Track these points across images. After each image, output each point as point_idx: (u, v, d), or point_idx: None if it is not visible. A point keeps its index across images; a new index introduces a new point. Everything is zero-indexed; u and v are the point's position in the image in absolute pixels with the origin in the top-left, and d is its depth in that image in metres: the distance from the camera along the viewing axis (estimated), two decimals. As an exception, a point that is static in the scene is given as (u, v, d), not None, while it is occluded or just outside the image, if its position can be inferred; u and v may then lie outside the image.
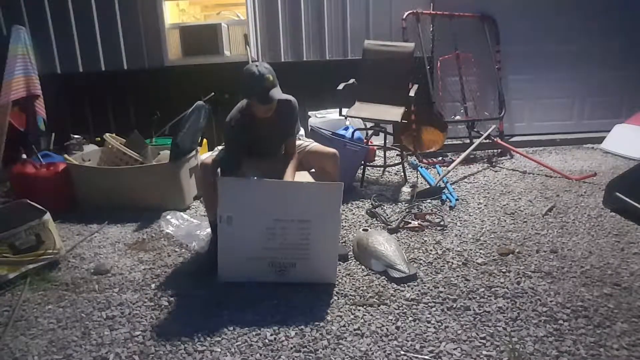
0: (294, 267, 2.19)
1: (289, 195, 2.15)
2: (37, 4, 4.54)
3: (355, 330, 1.88)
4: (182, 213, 3.07)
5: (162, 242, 2.79)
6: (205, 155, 3.20)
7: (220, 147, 2.63)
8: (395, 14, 4.64)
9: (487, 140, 4.28)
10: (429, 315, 1.96)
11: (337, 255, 2.24)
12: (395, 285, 2.20)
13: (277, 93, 2.26)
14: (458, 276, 2.27)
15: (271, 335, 1.86)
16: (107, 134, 3.54)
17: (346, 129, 3.94)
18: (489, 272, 2.30)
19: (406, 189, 3.58)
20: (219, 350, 1.78)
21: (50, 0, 4.56)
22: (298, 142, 2.61)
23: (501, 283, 2.20)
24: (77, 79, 4.70)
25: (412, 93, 3.70)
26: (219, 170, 2.41)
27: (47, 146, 4.28)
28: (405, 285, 2.20)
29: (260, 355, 1.75)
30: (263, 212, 2.14)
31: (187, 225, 2.89)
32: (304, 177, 2.57)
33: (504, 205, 3.22)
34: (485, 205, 3.22)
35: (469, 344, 1.78)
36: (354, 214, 3.14)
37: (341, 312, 2.01)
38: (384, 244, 2.40)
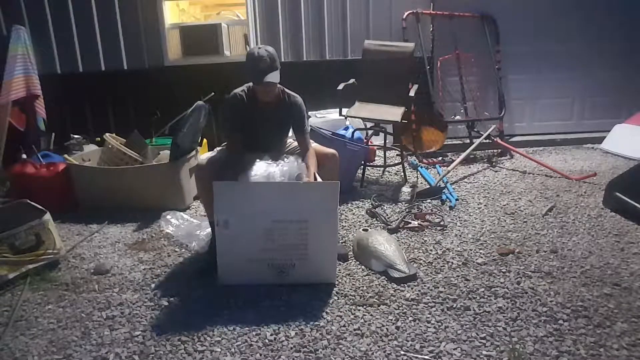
0: (293, 267, 2.19)
1: (285, 196, 2.15)
2: (37, 4, 4.54)
3: (355, 330, 1.88)
4: (182, 213, 3.07)
5: (162, 242, 2.79)
6: (204, 156, 3.20)
7: (218, 148, 2.63)
8: (395, 14, 4.64)
9: (487, 140, 4.28)
10: (429, 315, 1.96)
11: (336, 254, 2.24)
12: (395, 285, 2.20)
13: (273, 77, 2.29)
14: (458, 276, 2.27)
15: (271, 335, 1.86)
16: (107, 134, 3.54)
17: (346, 129, 3.94)
18: (489, 272, 2.30)
19: (406, 189, 3.58)
20: (219, 350, 1.78)
21: (50, 0, 4.56)
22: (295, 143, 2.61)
23: (501, 283, 2.20)
24: (77, 79, 4.70)
25: (412, 93, 3.70)
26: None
27: (47, 146, 4.28)
28: (405, 285, 2.20)
29: (260, 355, 1.75)
30: (260, 213, 2.14)
31: (187, 225, 2.89)
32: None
33: (504, 205, 3.22)
34: (485, 205, 3.22)
35: (469, 344, 1.77)
36: (354, 214, 3.14)
37: (341, 312, 2.00)
38: (384, 244, 2.40)
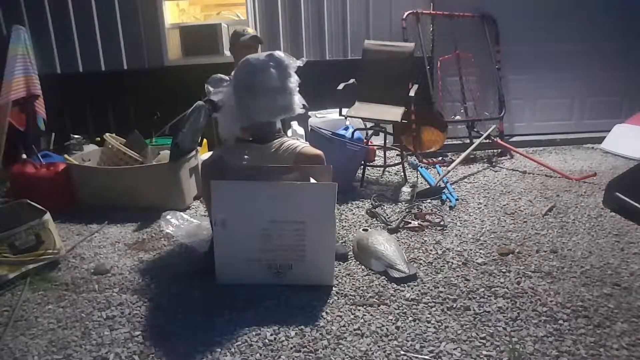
0: (290, 269, 2.19)
1: (283, 196, 2.14)
2: (37, 4, 4.54)
3: (355, 330, 1.88)
4: (182, 213, 3.07)
5: (162, 242, 2.79)
6: (205, 155, 3.19)
7: (219, 147, 2.63)
8: (395, 14, 4.65)
9: (487, 140, 4.28)
10: (429, 315, 1.96)
11: (333, 256, 2.23)
12: (395, 285, 2.20)
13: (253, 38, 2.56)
14: (458, 276, 2.27)
15: (271, 335, 1.86)
16: (107, 134, 3.54)
17: (346, 129, 3.95)
18: (489, 272, 2.30)
19: (406, 189, 3.58)
20: (219, 350, 1.78)
21: (50, 0, 4.56)
22: (291, 141, 2.59)
23: (501, 283, 2.20)
24: (77, 79, 4.70)
25: (412, 93, 3.70)
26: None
27: (47, 146, 4.28)
28: (405, 285, 2.20)
29: (260, 355, 1.75)
30: (257, 213, 2.14)
31: (187, 225, 2.89)
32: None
33: (504, 205, 3.22)
34: (485, 205, 3.22)
35: (469, 344, 1.77)
36: (354, 214, 3.14)
37: (341, 312, 2.00)
38: (384, 244, 2.40)
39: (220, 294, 2.16)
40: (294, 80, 2.32)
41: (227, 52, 4.69)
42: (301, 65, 2.35)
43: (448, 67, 4.72)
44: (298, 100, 2.36)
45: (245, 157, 2.49)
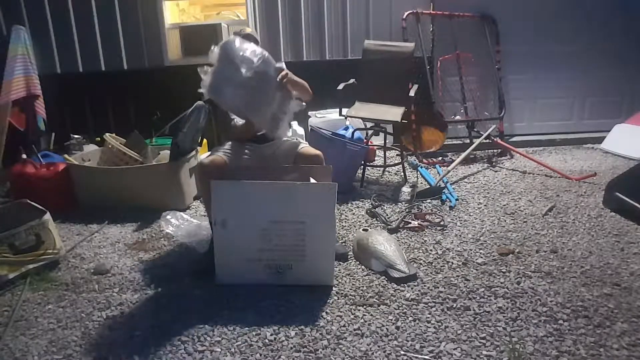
0: (290, 269, 2.19)
1: (283, 196, 2.14)
2: (37, 4, 4.54)
3: (355, 330, 1.88)
4: (182, 213, 3.07)
5: (162, 242, 2.79)
6: (205, 155, 3.19)
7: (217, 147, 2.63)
8: (395, 14, 4.65)
9: (487, 140, 4.28)
10: (429, 315, 1.96)
11: (333, 257, 2.23)
12: (395, 285, 2.20)
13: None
14: (458, 276, 2.27)
15: (271, 335, 1.86)
16: (107, 134, 3.54)
17: (346, 129, 3.95)
18: (489, 272, 2.30)
19: (406, 189, 3.58)
20: (219, 350, 1.78)
21: (50, 0, 4.56)
22: (291, 142, 2.58)
23: (501, 283, 2.20)
24: (77, 79, 4.70)
25: (412, 93, 3.70)
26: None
27: (47, 146, 4.28)
28: (405, 285, 2.20)
29: (260, 355, 1.75)
30: (257, 213, 2.14)
31: (187, 225, 2.89)
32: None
33: (504, 205, 3.22)
34: (485, 205, 3.22)
35: (469, 344, 1.77)
36: (354, 214, 3.14)
37: (341, 312, 2.00)
38: (384, 244, 2.40)
39: (220, 294, 2.16)
40: (231, 70, 2.29)
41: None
42: (255, 61, 2.33)
43: (448, 67, 4.72)
44: (233, 94, 2.31)
45: (245, 157, 2.50)
